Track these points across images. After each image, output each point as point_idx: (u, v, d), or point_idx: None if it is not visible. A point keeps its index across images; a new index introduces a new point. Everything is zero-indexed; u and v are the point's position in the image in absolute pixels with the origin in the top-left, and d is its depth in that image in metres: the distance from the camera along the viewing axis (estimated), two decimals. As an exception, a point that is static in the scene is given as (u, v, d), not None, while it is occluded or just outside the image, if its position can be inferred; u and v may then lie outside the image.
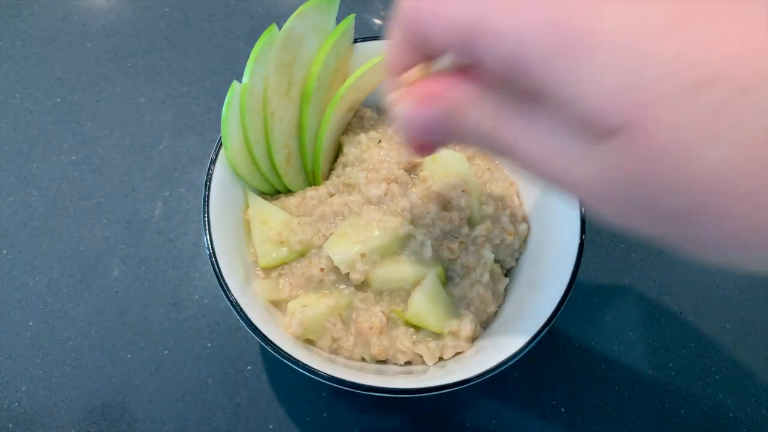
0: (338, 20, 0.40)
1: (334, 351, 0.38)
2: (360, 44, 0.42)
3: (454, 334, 0.38)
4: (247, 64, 0.37)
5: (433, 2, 0.20)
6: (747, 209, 0.16)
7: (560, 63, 0.17)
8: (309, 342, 0.38)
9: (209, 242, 0.35)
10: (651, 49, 0.16)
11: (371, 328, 0.37)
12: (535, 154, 0.20)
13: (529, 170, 0.21)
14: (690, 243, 0.18)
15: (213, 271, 0.35)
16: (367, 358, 0.39)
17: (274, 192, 0.43)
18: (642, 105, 0.16)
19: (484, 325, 0.40)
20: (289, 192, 0.43)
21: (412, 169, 0.43)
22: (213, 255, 0.35)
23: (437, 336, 0.38)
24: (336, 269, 0.38)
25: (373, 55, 0.42)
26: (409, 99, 0.23)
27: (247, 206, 0.41)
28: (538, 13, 0.17)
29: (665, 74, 0.16)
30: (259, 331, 0.33)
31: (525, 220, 0.43)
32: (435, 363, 0.38)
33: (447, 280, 0.39)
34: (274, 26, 0.37)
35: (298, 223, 0.39)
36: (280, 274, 0.40)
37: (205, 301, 0.46)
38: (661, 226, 0.18)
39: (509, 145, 0.21)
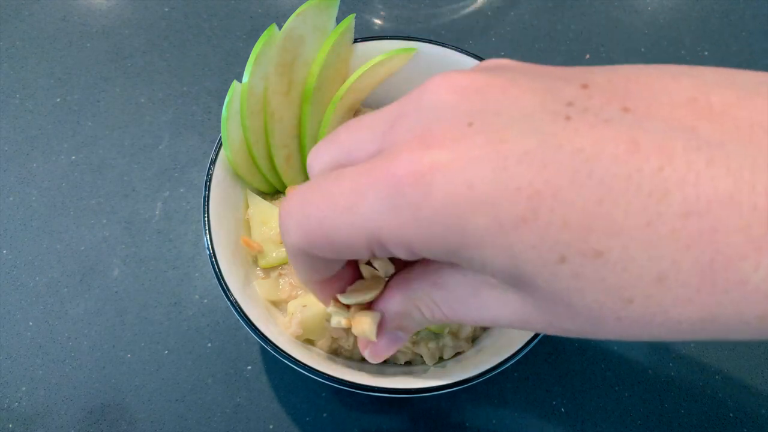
0: (338, 20, 0.40)
1: (334, 351, 0.39)
2: (360, 44, 0.42)
3: (454, 334, 0.38)
4: (247, 64, 0.37)
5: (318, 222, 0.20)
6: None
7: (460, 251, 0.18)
8: (309, 342, 0.38)
9: (209, 242, 0.35)
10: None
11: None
12: (483, 319, 0.22)
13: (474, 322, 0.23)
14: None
15: (213, 271, 0.35)
16: (367, 358, 0.39)
17: (274, 192, 0.43)
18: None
19: (484, 325, 0.40)
20: (289, 192, 0.43)
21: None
22: (213, 255, 0.35)
23: (437, 336, 0.38)
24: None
25: (373, 55, 0.42)
26: (365, 348, 0.27)
27: (247, 206, 0.41)
28: (417, 211, 0.18)
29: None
30: (259, 331, 0.33)
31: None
32: (435, 363, 0.38)
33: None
34: (274, 26, 0.37)
35: (298, 223, 0.39)
36: (280, 274, 0.40)
37: (205, 301, 0.46)
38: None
39: (462, 320, 0.23)
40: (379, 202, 0.18)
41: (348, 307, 0.26)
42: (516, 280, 0.18)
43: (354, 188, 0.19)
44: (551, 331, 0.20)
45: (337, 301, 0.26)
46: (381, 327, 0.25)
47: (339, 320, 0.26)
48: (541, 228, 0.16)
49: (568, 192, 0.16)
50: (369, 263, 0.26)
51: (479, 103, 0.18)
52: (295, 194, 0.21)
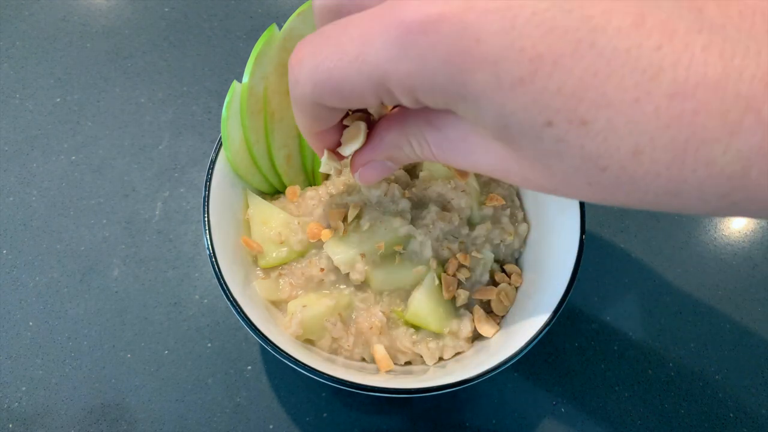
0: (338, 20, 0.40)
1: (334, 351, 0.39)
2: (360, 44, 0.42)
3: (454, 334, 0.38)
4: (247, 64, 0.37)
5: (327, 71, 0.21)
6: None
7: (460, 90, 0.19)
8: (309, 342, 0.38)
9: (209, 242, 0.35)
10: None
11: (371, 328, 0.37)
12: (466, 162, 0.23)
13: (473, 171, 0.24)
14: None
15: (213, 271, 0.35)
16: (367, 358, 0.39)
17: (274, 192, 0.43)
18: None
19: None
20: (289, 192, 0.43)
21: (412, 169, 0.43)
22: (213, 255, 0.35)
23: (437, 336, 0.38)
24: (336, 269, 0.38)
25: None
26: (356, 171, 0.28)
27: (247, 206, 0.41)
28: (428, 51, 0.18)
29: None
30: (259, 331, 0.33)
31: (525, 220, 0.43)
32: (435, 363, 0.38)
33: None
34: (274, 26, 0.37)
35: (298, 223, 0.39)
36: (280, 274, 0.40)
37: (205, 301, 0.46)
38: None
39: (446, 160, 0.24)
40: (387, 48, 0.18)
41: (341, 157, 0.28)
42: (504, 135, 0.19)
43: (362, 36, 0.19)
44: (526, 185, 0.21)
45: (331, 150, 0.28)
46: (373, 154, 0.26)
47: (331, 166, 0.28)
48: (536, 91, 0.17)
49: (569, 60, 0.16)
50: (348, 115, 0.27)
51: None
52: (305, 44, 0.22)
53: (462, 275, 0.39)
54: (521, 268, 0.42)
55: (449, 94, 0.19)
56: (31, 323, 0.45)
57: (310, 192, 0.41)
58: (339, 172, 0.30)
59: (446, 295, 0.38)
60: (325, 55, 0.20)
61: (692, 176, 0.17)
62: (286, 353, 0.33)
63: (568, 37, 0.16)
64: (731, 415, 0.44)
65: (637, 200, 0.18)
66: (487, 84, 0.17)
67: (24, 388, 0.43)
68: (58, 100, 0.54)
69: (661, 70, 0.16)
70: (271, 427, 0.42)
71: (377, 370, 0.37)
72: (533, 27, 0.16)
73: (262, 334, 0.33)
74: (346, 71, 0.20)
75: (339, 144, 0.28)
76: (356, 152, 0.27)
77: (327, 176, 0.44)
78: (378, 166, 0.27)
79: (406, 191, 0.39)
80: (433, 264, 0.38)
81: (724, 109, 0.15)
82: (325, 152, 0.28)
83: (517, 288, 0.41)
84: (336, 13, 0.22)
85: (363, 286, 0.38)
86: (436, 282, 0.38)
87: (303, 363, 0.33)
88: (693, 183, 0.17)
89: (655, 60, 0.16)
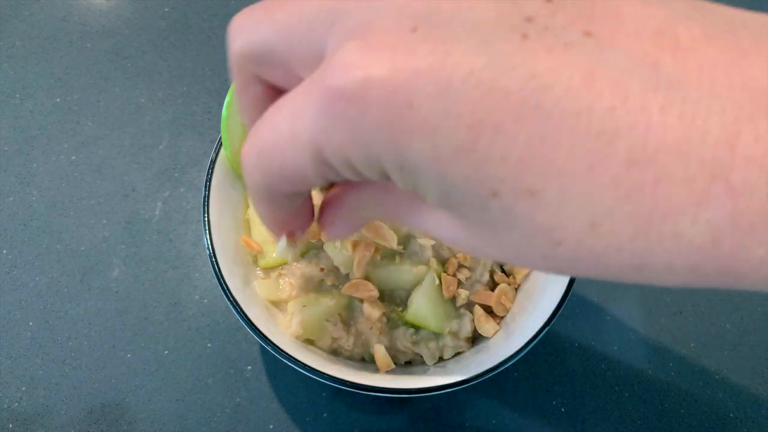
0: (338, 20, 0.40)
1: (334, 351, 0.39)
2: (360, 44, 0.42)
3: (454, 334, 0.38)
4: (247, 64, 0.37)
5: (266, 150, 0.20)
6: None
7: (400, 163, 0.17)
8: (309, 342, 0.38)
9: (209, 242, 0.35)
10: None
11: (371, 328, 0.38)
12: (421, 228, 0.22)
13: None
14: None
15: (213, 271, 0.35)
16: (367, 358, 0.39)
17: (274, 192, 0.43)
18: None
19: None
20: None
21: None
22: (213, 255, 0.35)
23: (437, 336, 0.38)
24: (336, 269, 0.38)
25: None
26: (322, 230, 0.27)
27: (247, 206, 0.41)
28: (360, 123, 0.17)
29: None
30: (259, 331, 0.33)
31: (525, 220, 0.43)
32: (435, 363, 0.38)
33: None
34: (274, 26, 0.37)
35: (298, 223, 0.39)
36: (280, 274, 0.40)
37: (205, 301, 0.46)
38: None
39: (405, 223, 0.23)
40: (317, 117, 0.17)
41: (295, 248, 0.27)
42: (447, 205, 0.18)
43: (293, 111, 0.18)
44: (478, 255, 0.20)
45: (290, 236, 0.27)
46: (336, 215, 0.26)
47: (289, 252, 0.27)
48: (477, 160, 0.16)
49: (512, 125, 0.15)
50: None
51: (428, 5, 0.16)
52: (249, 138, 0.21)
53: (462, 275, 0.39)
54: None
55: (385, 164, 0.17)
56: (31, 323, 0.45)
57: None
58: (295, 259, 0.29)
59: (446, 295, 0.38)
60: (264, 140, 0.20)
61: (659, 248, 0.15)
62: (286, 353, 0.33)
63: (511, 99, 0.15)
64: (731, 415, 0.44)
65: (600, 274, 0.17)
66: (424, 153, 0.16)
67: (24, 388, 0.43)
68: (58, 100, 0.54)
69: (616, 135, 0.14)
70: (271, 427, 0.42)
71: (377, 370, 0.37)
72: (470, 88, 0.15)
73: (262, 334, 0.33)
74: (284, 149, 0.19)
75: (304, 229, 0.27)
76: (320, 212, 0.27)
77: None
78: (344, 225, 0.26)
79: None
80: (433, 264, 0.38)
81: (688, 177, 0.14)
82: (283, 240, 0.27)
83: (517, 288, 0.41)
84: (257, 77, 0.22)
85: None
86: (436, 282, 0.38)
87: (303, 363, 0.33)
88: (660, 256, 0.15)
89: (609, 123, 0.14)
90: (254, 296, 0.38)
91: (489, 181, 0.16)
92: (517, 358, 0.33)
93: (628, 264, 0.16)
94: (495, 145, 0.15)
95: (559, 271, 0.18)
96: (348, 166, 0.18)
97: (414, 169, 0.17)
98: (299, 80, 0.19)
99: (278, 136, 0.19)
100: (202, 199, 0.37)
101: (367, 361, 0.39)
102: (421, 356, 0.38)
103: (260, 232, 0.40)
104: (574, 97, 0.15)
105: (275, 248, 0.39)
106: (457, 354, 0.39)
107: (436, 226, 0.20)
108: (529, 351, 0.34)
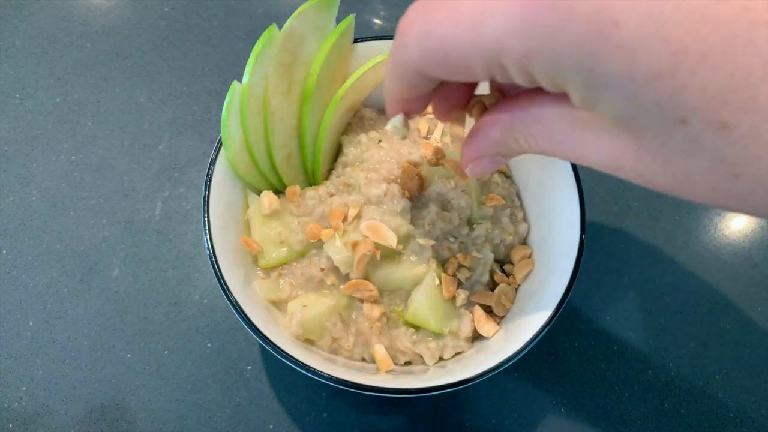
0: (338, 20, 0.40)
1: (334, 351, 0.39)
2: (360, 44, 0.42)
3: (454, 334, 0.38)
4: (247, 64, 0.37)
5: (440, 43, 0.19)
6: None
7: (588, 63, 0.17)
8: (309, 342, 0.38)
9: (209, 242, 0.35)
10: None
11: (371, 328, 0.38)
12: (576, 156, 0.21)
13: (571, 160, 0.22)
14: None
15: (213, 271, 0.35)
16: (367, 358, 0.39)
17: (274, 192, 0.43)
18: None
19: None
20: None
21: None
22: (213, 255, 0.35)
23: (437, 336, 0.38)
24: (336, 269, 0.38)
25: (373, 55, 0.42)
26: (466, 166, 0.27)
27: (247, 206, 0.41)
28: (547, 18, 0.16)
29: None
30: (259, 331, 0.33)
31: (525, 220, 0.43)
32: (435, 363, 0.38)
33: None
34: (274, 26, 0.37)
35: (298, 223, 0.39)
36: (280, 274, 0.40)
37: (205, 301, 0.46)
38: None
39: (554, 154, 0.22)
40: (509, 21, 0.17)
41: (407, 127, 0.28)
42: (626, 128, 0.18)
43: (484, 4, 0.17)
44: (639, 181, 0.19)
45: (406, 116, 0.28)
46: (481, 150, 0.26)
47: (400, 131, 0.28)
48: (673, 88, 0.15)
49: (719, 57, 0.14)
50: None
51: None
52: (418, 9, 0.20)
53: (462, 275, 0.39)
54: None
55: (570, 78, 0.17)
56: (31, 323, 0.45)
57: (310, 192, 0.41)
58: (404, 138, 0.29)
59: (446, 295, 0.38)
60: (439, 22, 0.19)
61: None
62: (286, 353, 0.33)
63: (722, 30, 0.14)
64: (731, 415, 0.44)
65: (764, 213, 0.17)
66: (619, 74, 0.16)
67: (24, 388, 0.43)
68: (58, 100, 0.54)
69: None
70: (271, 427, 0.42)
71: (377, 370, 0.37)
72: (682, 15, 0.14)
73: (262, 334, 0.33)
74: (460, 41, 0.18)
75: (420, 111, 0.28)
76: (464, 147, 0.27)
77: (327, 176, 0.44)
78: (487, 162, 0.26)
79: (406, 191, 0.39)
80: (433, 264, 0.38)
81: None
82: (401, 116, 0.27)
83: (517, 288, 0.41)
84: None
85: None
86: (436, 282, 0.38)
87: (303, 363, 0.33)
88: None
89: None
90: (254, 296, 0.38)
91: (681, 109, 0.16)
92: (517, 358, 0.33)
93: None
94: (696, 74, 0.15)
95: (721, 203, 0.17)
96: (524, 73, 0.18)
97: (603, 87, 0.17)
98: None
99: (457, 25, 0.18)
100: (202, 199, 0.37)
101: (367, 361, 0.39)
102: (421, 356, 0.38)
103: (260, 232, 0.40)
104: None
105: (273, 249, 0.39)
106: (457, 354, 0.39)
107: (598, 153, 0.20)
108: (529, 351, 0.34)
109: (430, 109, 0.45)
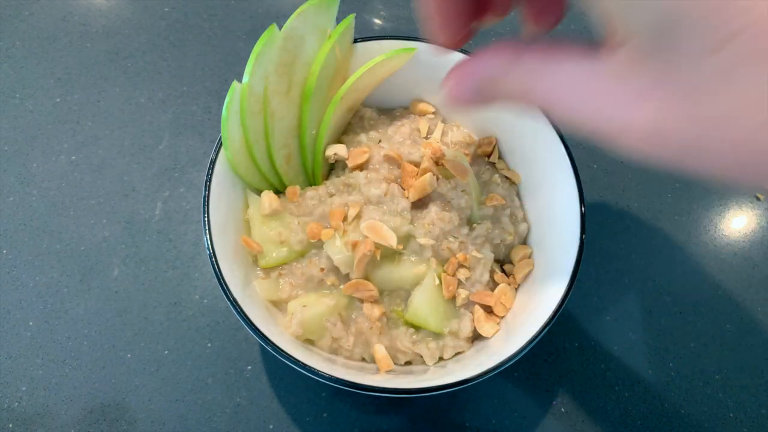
0: (338, 20, 0.40)
1: (334, 351, 0.39)
2: (360, 44, 0.42)
3: (454, 334, 0.38)
4: (247, 64, 0.37)
5: None
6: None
7: None
8: (309, 342, 0.38)
9: (209, 242, 0.35)
10: None
11: (371, 328, 0.38)
12: (574, 105, 0.20)
13: (568, 121, 0.21)
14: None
15: (213, 271, 0.35)
16: (367, 358, 0.39)
17: (274, 192, 0.43)
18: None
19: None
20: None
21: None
22: (213, 255, 0.35)
23: (437, 336, 0.38)
24: (336, 269, 0.38)
25: (373, 55, 0.42)
26: (452, 77, 0.25)
27: (247, 206, 0.41)
28: None
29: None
30: (259, 331, 0.33)
31: (525, 220, 0.43)
32: (435, 363, 0.38)
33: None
34: (274, 26, 0.37)
35: (298, 223, 0.39)
36: (280, 274, 0.40)
37: (205, 301, 0.46)
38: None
39: (548, 101, 0.21)
40: None
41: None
42: (658, 57, 0.16)
43: None
44: (648, 144, 0.18)
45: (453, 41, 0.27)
46: (471, 68, 0.24)
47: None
48: (719, 5, 0.14)
49: None
50: None
51: None
52: None
53: (462, 275, 0.39)
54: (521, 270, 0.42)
55: None
56: (31, 323, 0.45)
57: (310, 192, 0.41)
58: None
59: (446, 295, 0.38)
60: None
61: None
62: (286, 353, 0.33)
63: None
64: (731, 415, 0.44)
65: None
66: None
67: (24, 388, 0.43)
68: (58, 100, 0.54)
69: None
70: (271, 427, 0.42)
71: (377, 370, 0.37)
72: None
73: (262, 334, 0.33)
74: None
75: (460, 26, 0.26)
76: (455, 66, 0.25)
77: (327, 176, 0.44)
78: (467, 87, 0.24)
79: (406, 191, 0.39)
80: (433, 264, 0.38)
81: None
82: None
83: (517, 288, 0.41)
84: None
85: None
86: (436, 282, 0.38)
87: (303, 363, 0.33)
88: None
89: None
90: (254, 296, 0.38)
91: (736, 20, 0.14)
92: (517, 358, 0.33)
93: None
94: None
95: (743, 146, 0.16)
96: None
97: None
98: None
99: None
100: (202, 199, 0.37)
101: (367, 361, 0.39)
102: (421, 356, 0.38)
103: (260, 232, 0.40)
104: None
105: (273, 249, 0.39)
106: (457, 354, 0.39)
107: (613, 102, 0.18)
108: (529, 351, 0.34)
109: (430, 108, 0.45)
